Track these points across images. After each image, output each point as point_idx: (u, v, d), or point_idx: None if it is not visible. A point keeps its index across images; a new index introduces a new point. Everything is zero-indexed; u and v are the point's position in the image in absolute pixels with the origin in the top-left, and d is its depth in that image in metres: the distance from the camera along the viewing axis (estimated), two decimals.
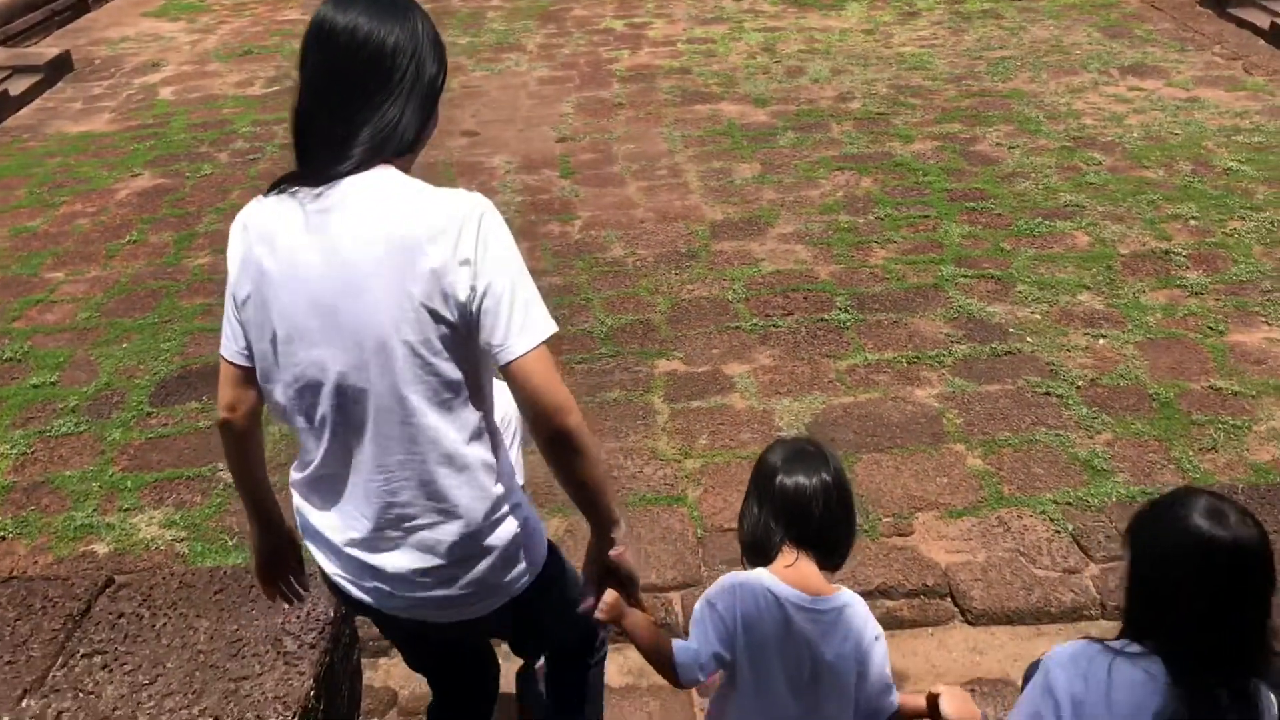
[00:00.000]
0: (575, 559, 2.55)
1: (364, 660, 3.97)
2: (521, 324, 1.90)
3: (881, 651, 2.30)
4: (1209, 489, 2.10)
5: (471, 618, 2.22)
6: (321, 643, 2.75)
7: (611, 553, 2.21)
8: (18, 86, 10.25)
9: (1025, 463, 4.75)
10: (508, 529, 2.13)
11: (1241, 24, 10.51)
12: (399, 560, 2.10)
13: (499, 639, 2.76)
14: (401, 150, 2.01)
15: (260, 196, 2.09)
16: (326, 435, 2.09)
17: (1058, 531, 4.34)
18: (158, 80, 10.82)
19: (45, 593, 2.90)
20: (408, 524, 2.07)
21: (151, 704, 2.55)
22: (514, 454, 2.72)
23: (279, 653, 2.70)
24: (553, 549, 2.38)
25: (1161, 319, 5.82)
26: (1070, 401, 5.14)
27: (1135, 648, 2.01)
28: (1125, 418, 5.01)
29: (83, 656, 2.68)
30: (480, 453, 2.05)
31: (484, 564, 2.12)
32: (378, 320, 1.91)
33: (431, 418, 1.97)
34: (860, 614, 2.29)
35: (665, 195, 7.59)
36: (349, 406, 2.01)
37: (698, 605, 2.32)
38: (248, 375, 2.24)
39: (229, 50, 11.63)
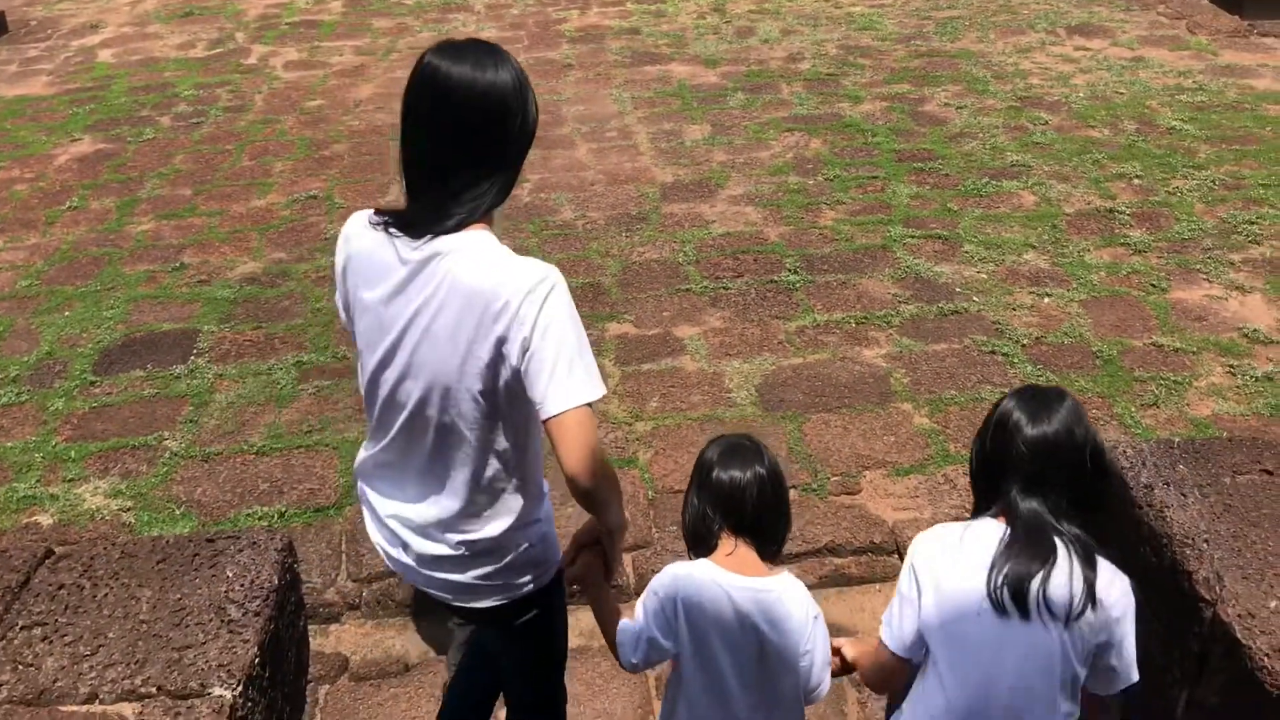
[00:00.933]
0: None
1: (315, 627, 3.97)
2: (560, 388, 2.10)
3: (822, 631, 2.38)
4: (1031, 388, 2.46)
5: (477, 605, 2.48)
6: (266, 610, 2.74)
7: (605, 543, 2.46)
8: None
9: (971, 420, 4.80)
10: (523, 542, 2.41)
11: None
12: (425, 546, 2.40)
13: (491, 641, 2.92)
14: (495, 209, 2.23)
15: (370, 216, 2.28)
16: (392, 434, 2.36)
17: None
18: (96, 42, 10.57)
19: None
20: (443, 521, 2.36)
21: (93, 675, 2.52)
22: None
23: (223, 621, 2.68)
24: (559, 580, 2.59)
25: (1105, 277, 5.89)
26: (1015, 360, 5.20)
27: (984, 519, 2.35)
28: (1069, 375, 5.07)
29: (22, 629, 2.64)
30: (515, 480, 2.35)
31: (498, 564, 2.41)
32: (449, 368, 2.19)
33: (479, 446, 2.27)
34: (800, 596, 2.36)
35: (615, 157, 7.55)
36: (414, 422, 2.30)
37: (643, 594, 2.41)
38: None
39: (170, 11, 11.38)
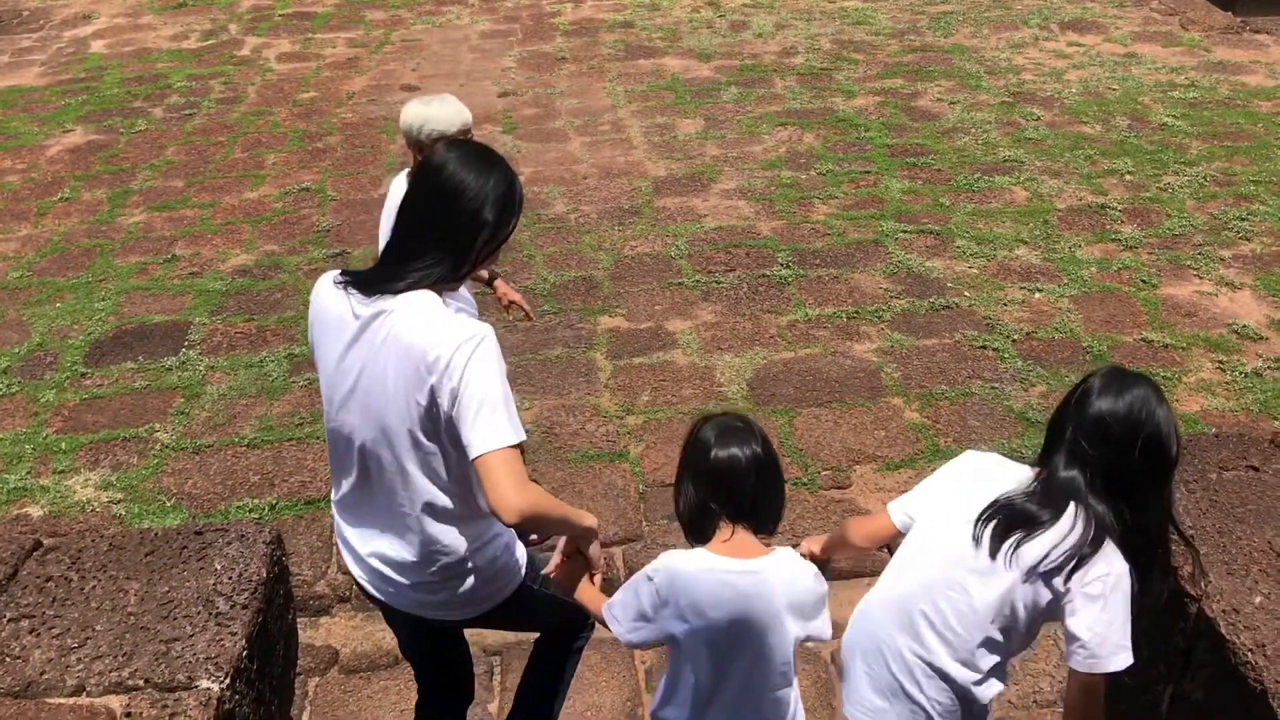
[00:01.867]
0: None
1: (305, 619, 3.97)
2: (483, 432, 2.27)
3: (822, 590, 2.41)
4: (1119, 368, 2.48)
5: (461, 618, 2.73)
6: (254, 603, 2.73)
7: (582, 548, 2.64)
8: None
9: (962, 415, 4.82)
10: (485, 558, 2.62)
11: None
12: (404, 574, 2.61)
13: (493, 629, 3.12)
14: (442, 282, 2.44)
15: (335, 278, 2.51)
16: (353, 476, 2.58)
17: None
18: (89, 33, 10.54)
19: None
20: (413, 551, 2.57)
21: (80, 667, 2.51)
22: None
23: (211, 614, 2.67)
24: (530, 574, 2.78)
25: (1096, 273, 5.91)
26: (1006, 355, 5.21)
27: (1025, 466, 2.48)
28: (1059, 370, 5.09)
29: (9, 621, 2.63)
30: (465, 507, 2.52)
31: (468, 582, 2.61)
32: (393, 411, 2.40)
33: (425, 482, 2.47)
34: (795, 562, 2.39)
35: (608, 151, 7.54)
36: (368, 461, 2.52)
37: (636, 579, 2.43)
38: None
39: (163, 2, 11.34)
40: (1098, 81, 8.42)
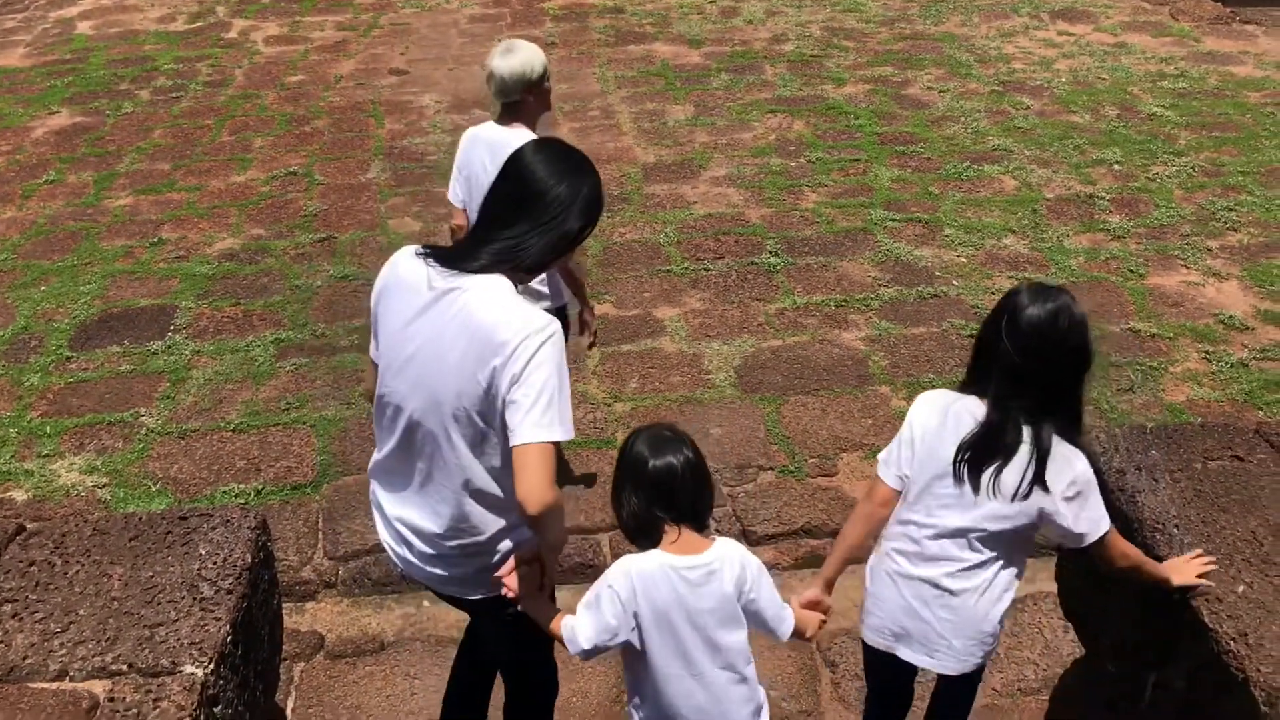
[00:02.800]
0: None
1: (291, 605, 3.96)
2: (532, 422, 2.34)
3: (768, 580, 2.56)
4: (1041, 282, 2.73)
5: (468, 597, 2.76)
6: (239, 588, 2.72)
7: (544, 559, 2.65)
8: None
9: None
10: (511, 542, 2.64)
11: None
12: (424, 545, 2.66)
13: (482, 616, 3.05)
14: (520, 269, 2.52)
15: (417, 249, 2.59)
16: (395, 440, 2.62)
17: None
18: (75, 14, 10.46)
19: None
20: (439, 523, 2.61)
21: (63, 652, 2.50)
22: None
23: (195, 598, 2.66)
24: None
25: (1084, 262, 5.92)
26: None
27: (971, 396, 2.73)
28: None
29: None
30: (501, 489, 2.55)
31: (489, 562, 2.63)
32: (449, 385, 2.45)
33: (468, 459, 2.51)
34: (739, 553, 2.54)
35: (598, 137, 7.52)
36: (415, 431, 2.56)
37: (596, 586, 2.53)
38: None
39: None
40: (1087, 71, 8.42)
